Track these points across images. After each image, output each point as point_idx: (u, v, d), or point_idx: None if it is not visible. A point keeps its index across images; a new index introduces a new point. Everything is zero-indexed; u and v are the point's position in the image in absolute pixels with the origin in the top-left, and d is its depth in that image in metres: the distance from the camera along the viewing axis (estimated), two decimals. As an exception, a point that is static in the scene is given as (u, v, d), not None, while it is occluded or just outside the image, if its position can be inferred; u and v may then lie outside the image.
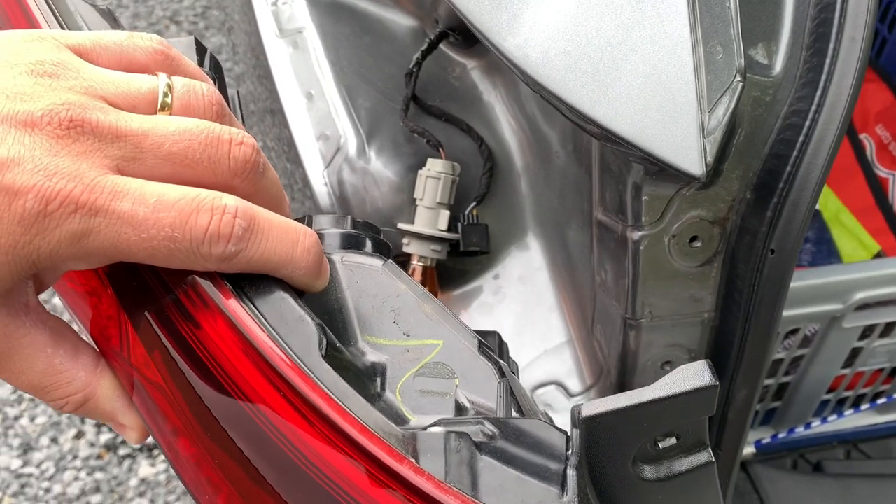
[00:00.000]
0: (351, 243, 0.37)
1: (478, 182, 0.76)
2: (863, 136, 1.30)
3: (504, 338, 0.79)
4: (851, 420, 1.03)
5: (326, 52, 0.78)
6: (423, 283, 0.73)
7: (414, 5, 0.80)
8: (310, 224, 0.38)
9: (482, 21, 0.55)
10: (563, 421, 0.76)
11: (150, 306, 0.33)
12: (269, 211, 0.33)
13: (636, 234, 0.60)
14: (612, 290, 0.66)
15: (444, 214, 0.72)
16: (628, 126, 0.52)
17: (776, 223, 0.58)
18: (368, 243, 0.37)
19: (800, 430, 1.02)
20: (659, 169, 0.55)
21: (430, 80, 0.78)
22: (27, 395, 1.54)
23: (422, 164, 0.74)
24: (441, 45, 0.76)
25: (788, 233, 0.57)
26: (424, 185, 0.72)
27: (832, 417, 1.03)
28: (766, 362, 0.64)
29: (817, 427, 1.02)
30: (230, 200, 0.31)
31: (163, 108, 0.33)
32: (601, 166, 0.63)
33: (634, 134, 0.51)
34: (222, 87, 0.41)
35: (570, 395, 0.74)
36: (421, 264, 0.73)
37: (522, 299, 0.77)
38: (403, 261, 0.75)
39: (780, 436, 1.03)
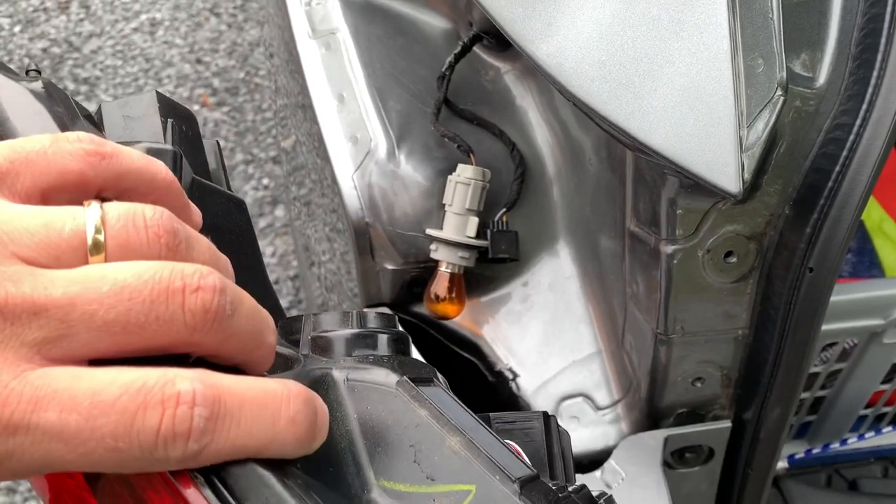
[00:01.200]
0: (361, 344, 0.32)
1: (508, 188, 0.75)
2: (910, 143, 1.25)
3: (532, 346, 0.78)
4: (890, 437, 1.00)
5: (359, 54, 0.77)
6: (451, 290, 0.72)
7: (448, 7, 0.79)
8: (308, 324, 0.33)
9: (515, 27, 0.54)
10: (591, 435, 0.75)
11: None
12: (239, 378, 0.26)
13: (669, 248, 0.58)
14: (644, 303, 0.65)
15: (473, 221, 0.71)
16: (663, 139, 0.50)
17: (815, 240, 0.56)
18: (382, 340, 0.32)
19: (835, 446, 1.00)
20: (694, 183, 0.54)
21: (462, 83, 0.77)
22: None
23: (452, 168, 0.73)
24: (475, 48, 0.75)
25: (828, 250, 0.56)
26: (454, 191, 0.71)
27: (869, 434, 1.00)
28: (801, 381, 0.62)
29: (854, 443, 0.99)
30: (184, 385, 0.24)
31: (96, 251, 0.26)
32: (635, 177, 0.61)
33: (669, 148, 0.50)
34: (196, 149, 0.35)
35: (597, 407, 0.72)
36: (448, 271, 0.72)
37: (551, 308, 0.76)
38: (431, 266, 0.74)
39: (815, 451, 1.00)
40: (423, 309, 0.76)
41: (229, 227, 0.37)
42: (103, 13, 2.33)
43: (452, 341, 0.78)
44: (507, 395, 0.75)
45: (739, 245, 0.59)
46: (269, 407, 0.26)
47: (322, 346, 0.32)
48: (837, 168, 0.54)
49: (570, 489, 0.29)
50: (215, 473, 0.25)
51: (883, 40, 0.53)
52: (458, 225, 0.71)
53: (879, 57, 0.53)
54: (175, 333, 0.25)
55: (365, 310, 0.34)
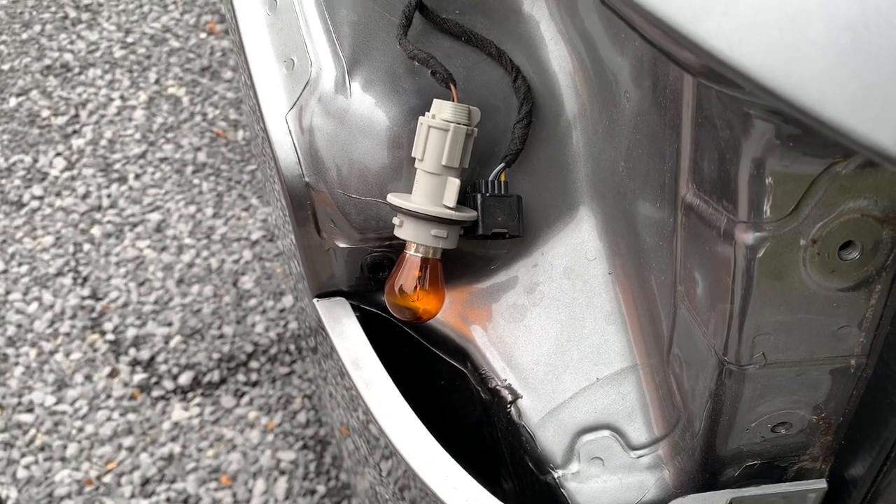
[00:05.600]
0: None
1: (509, 134, 0.52)
2: None
3: (540, 356, 0.57)
4: None
5: (301, -59, 0.54)
6: (422, 280, 0.50)
7: None
8: None
9: None
10: (619, 486, 0.54)
11: None
12: None
13: (751, 236, 0.37)
14: (704, 312, 0.43)
15: (453, 184, 0.49)
16: (761, 56, 0.27)
17: None
18: None
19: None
20: (802, 133, 0.31)
21: (446, -19, 0.54)
22: (63, 329, 1.49)
23: (428, 106, 0.51)
24: (462, -71, 0.51)
25: None
26: (426, 140, 0.49)
27: None
28: (949, 443, 0.40)
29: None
30: None
31: None
32: (696, 119, 0.39)
33: (771, 70, 0.27)
34: None
35: (630, 447, 0.51)
36: (418, 255, 0.50)
37: (568, 302, 0.54)
38: (399, 245, 0.52)
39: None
40: (392, 300, 0.55)
41: None
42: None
43: (434, 343, 0.57)
44: (504, 423, 0.54)
45: (865, 231, 0.37)
46: None
47: None
48: None
49: None
50: None
51: None
52: (431, 189, 0.49)
53: None
54: None
55: None
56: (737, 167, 0.37)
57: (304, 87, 0.52)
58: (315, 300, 0.56)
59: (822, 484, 0.48)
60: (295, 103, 0.52)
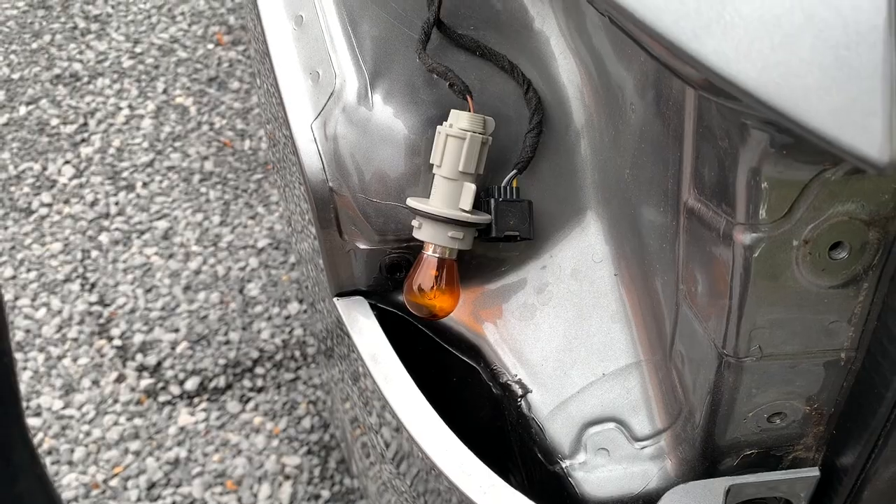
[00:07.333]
0: None
1: (520, 143, 0.55)
2: None
3: (548, 352, 0.60)
4: None
5: (325, -39, 0.58)
6: (439, 279, 0.54)
7: None
8: None
9: None
10: (624, 474, 0.57)
11: None
12: None
13: (748, 237, 0.40)
14: (704, 309, 0.46)
15: (469, 189, 0.52)
16: (752, 70, 0.31)
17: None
18: None
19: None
20: (794, 142, 0.35)
21: (462, -1, 0.58)
22: (71, 335, 1.51)
23: (445, 116, 0.54)
24: (478, -49, 0.55)
25: None
26: (444, 148, 0.52)
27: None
28: (933, 430, 0.43)
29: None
30: None
31: None
32: (698, 129, 0.42)
33: (763, 85, 0.31)
34: None
35: (634, 438, 0.54)
36: (436, 255, 0.53)
37: (575, 301, 0.57)
38: (416, 246, 0.56)
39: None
40: (408, 299, 0.58)
41: None
42: (104, -59, 2.15)
43: (447, 340, 0.60)
44: (514, 417, 0.57)
45: (853, 233, 0.40)
46: None
47: None
48: None
49: None
50: None
51: None
52: (449, 194, 0.52)
53: None
54: None
55: None
56: (735, 173, 0.40)
57: (329, 97, 0.55)
58: (335, 299, 0.59)
59: (815, 472, 0.51)
60: (320, 113, 0.55)
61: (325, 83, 0.55)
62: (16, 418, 0.37)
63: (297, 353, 1.49)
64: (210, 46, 1.98)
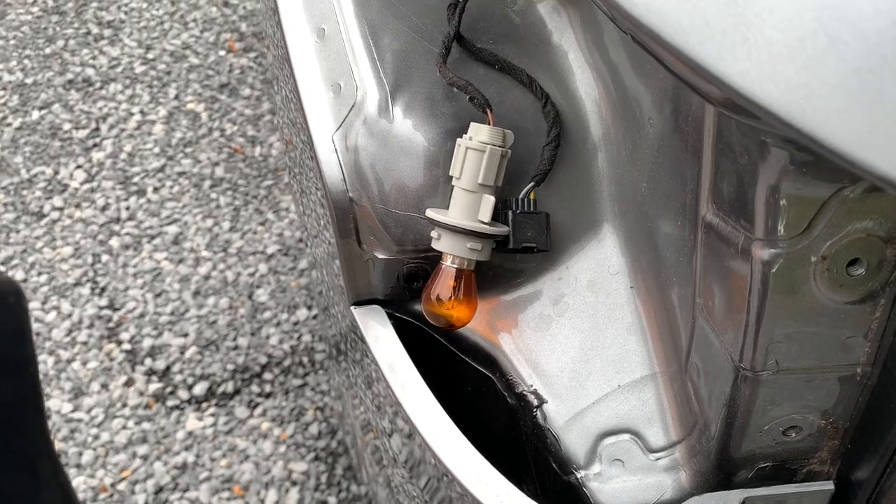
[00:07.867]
0: None
1: (538, 155, 0.56)
2: None
3: (564, 364, 0.61)
4: None
5: (347, -25, 0.59)
6: (457, 290, 0.54)
7: (465, -89, 0.59)
8: None
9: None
10: (638, 485, 0.58)
11: None
12: None
13: (766, 252, 0.40)
14: (721, 322, 0.46)
15: (489, 201, 0.53)
16: (779, 93, 0.31)
17: None
18: None
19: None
20: (813, 159, 0.35)
21: (481, 14, 0.58)
22: (80, 339, 1.52)
23: (464, 129, 0.55)
24: (498, -34, 0.56)
25: None
26: (464, 160, 0.53)
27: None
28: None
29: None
30: None
31: None
32: (717, 145, 0.43)
33: (788, 105, 0.31)
34: None
35: (649, 450, 0.55)
36: (454, 266, 0.54)
37: (591, 313, 0.58)
38: (434, 257, 0.56)
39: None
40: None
41: None
42: (117, -53, 2.17)
43: (463, 350, 0.61)
44: (529, 427, 0.58)
45: (871, 250, 0.41)
46: None
47: None
48: None
49: None
50: None
51: None
52: (468, 205, 0.53)
53: None
54: None
55: None
56: (754, 189, 0.41)
57: (350, 109, 0.56)
58: (353, 307, 0.60)
59: (829, 486, 0.51)
60: (341, 124, 0.56)
61: (347, 95, 0.56)
62: (41, 428, 0.38)
63: (306, 360, 1.49)
64: (222, 53, 1.99)
